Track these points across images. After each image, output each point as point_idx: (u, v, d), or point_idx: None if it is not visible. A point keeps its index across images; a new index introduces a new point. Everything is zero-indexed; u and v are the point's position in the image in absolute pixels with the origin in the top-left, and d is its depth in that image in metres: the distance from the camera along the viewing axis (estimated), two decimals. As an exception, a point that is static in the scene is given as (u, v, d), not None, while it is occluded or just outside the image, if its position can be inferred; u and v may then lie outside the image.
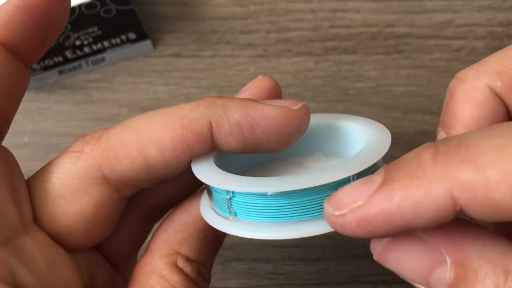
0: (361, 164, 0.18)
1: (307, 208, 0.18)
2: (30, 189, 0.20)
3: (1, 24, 0.19)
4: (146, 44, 0.36)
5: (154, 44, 0.36)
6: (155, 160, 0.19)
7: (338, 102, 0.34)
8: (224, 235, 0.22)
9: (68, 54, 0.35)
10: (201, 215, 0.21)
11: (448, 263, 0.16)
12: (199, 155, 0.20)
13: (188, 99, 0.35)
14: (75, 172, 0.20)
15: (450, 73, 0.35)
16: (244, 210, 0.19)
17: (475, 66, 0.19)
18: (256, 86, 0.23)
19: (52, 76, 0.36)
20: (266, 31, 0.36)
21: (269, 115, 0.19)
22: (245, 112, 0.19)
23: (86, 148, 0.20)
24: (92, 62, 0.36)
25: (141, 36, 0.35)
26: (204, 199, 0.21)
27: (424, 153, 0.15)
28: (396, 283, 0.30)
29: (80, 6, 0.31)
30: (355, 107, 0.34)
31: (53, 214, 0.19)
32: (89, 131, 0.34)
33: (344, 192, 0.16)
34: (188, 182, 0.23)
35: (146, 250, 0.21)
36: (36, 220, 0.19)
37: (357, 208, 0.16)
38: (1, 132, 0.20)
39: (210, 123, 0.19)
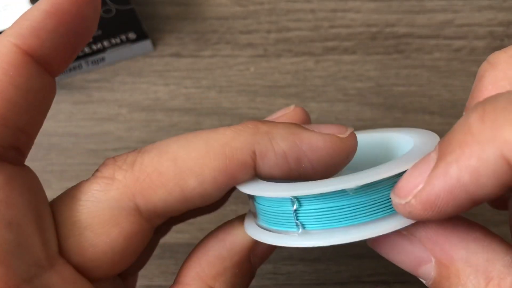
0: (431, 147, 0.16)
1: (386, 203, 0.17)
2: (55, 216, 0.18)
3: (30, 32, 0.16)
4: (146, 44, 0.36)
5: (154, 44, 0.36)
6: (193, 191, 0.18)
7: (338, 102, 0.34)
8: (256, 267, 0.21)
9: (68, 54, 0.35)
10: (238, 248, 0.19)
11: (433, 262, 0.16)
12: (239, 184, 0.19)
13: (188, 99, 0.35)
14: (105, 201, 0.18)
15: (450, 73, 0.35)
16: (315, 219, 0.17)
17: (509, 50, 0.17)
18: (288, 118, 0.22)
19: (52, 76, 0.36)
20: (266, 31, 0.36)
21: (317, 145, 0.18)
22: (292, 142, 0.18)
23: (118, 174, 0.18)
24: (92, 62, 0.36)
25: (141, 36, 0.35)
26: (250, 224, 0.19)
27: (471, 117, 0.14)
28: (396, 283, 0.30)
29: (80, 6, 0.31)
30: (355, 107, 0.34)
31: (80, 246, 0.18)
32: (89, 131, 0.35)
33: (405, 178, 0.16)
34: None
35: (176, 282, 0.19)
36: (61, 251, 0.18)
37: (419, 192, 0.15)
38: (24, 152, 0.18)
39: (254, 152, 0.18)
